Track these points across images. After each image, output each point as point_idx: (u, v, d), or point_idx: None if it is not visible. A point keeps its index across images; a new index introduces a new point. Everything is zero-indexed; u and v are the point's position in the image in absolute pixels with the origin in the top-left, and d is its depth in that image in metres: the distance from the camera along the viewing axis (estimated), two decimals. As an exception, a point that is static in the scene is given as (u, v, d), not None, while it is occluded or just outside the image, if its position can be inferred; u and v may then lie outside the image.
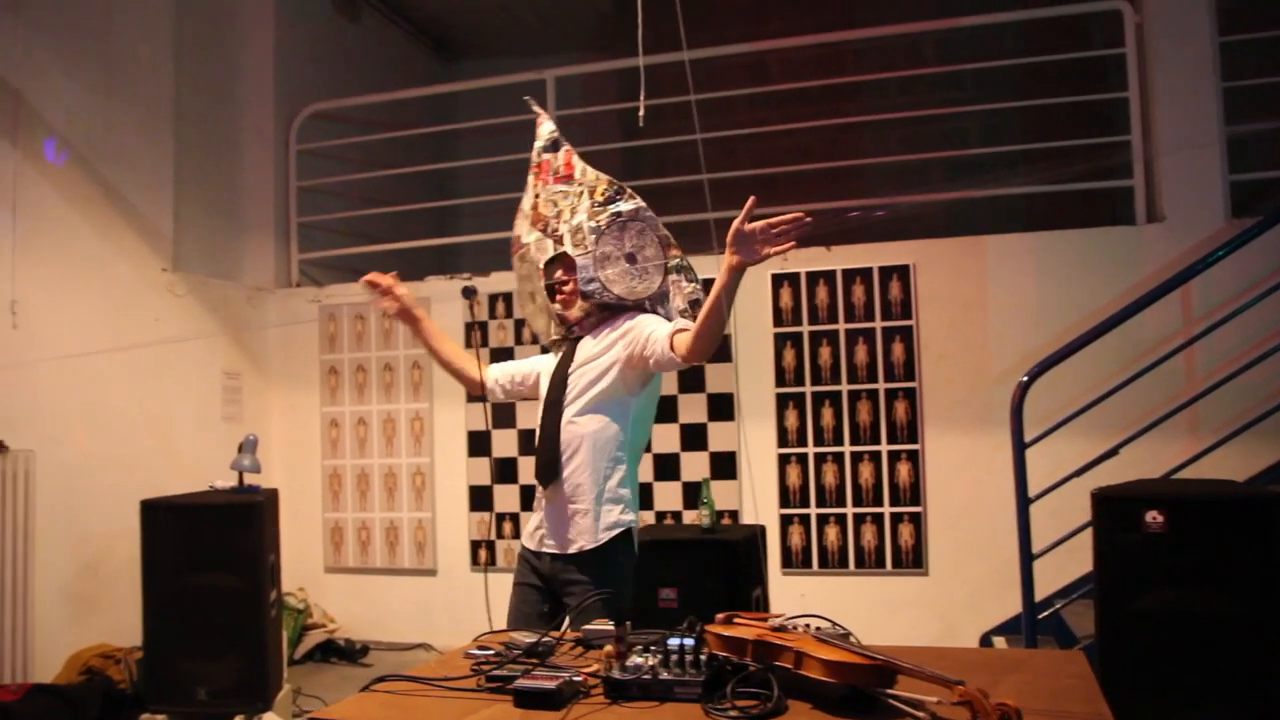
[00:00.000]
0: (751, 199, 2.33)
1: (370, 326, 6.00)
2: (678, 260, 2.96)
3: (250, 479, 4.36)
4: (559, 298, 2.87)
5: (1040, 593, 4.11)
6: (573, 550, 2.79)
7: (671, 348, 2.60)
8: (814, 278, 5.31)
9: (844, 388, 5.26)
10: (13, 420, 4.45)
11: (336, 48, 7.03)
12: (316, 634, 5.73)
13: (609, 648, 2.12)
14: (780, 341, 5.35)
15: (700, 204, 5.70)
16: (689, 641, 1.87)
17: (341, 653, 5.70)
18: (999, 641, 4.80)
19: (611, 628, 2.21)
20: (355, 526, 6.02)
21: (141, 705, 4.25)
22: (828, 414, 5.27)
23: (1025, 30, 6.34)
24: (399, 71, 7.59)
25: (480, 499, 5.82)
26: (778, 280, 5.34)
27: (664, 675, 1.80)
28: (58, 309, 4.80)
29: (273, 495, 4.35)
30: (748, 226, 2.32)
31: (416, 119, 6.96)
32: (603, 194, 2.90)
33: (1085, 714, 1.60)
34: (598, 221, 2.85)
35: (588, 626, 2.20)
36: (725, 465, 5.39)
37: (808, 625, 1.96)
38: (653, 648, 1.98)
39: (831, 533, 5.24)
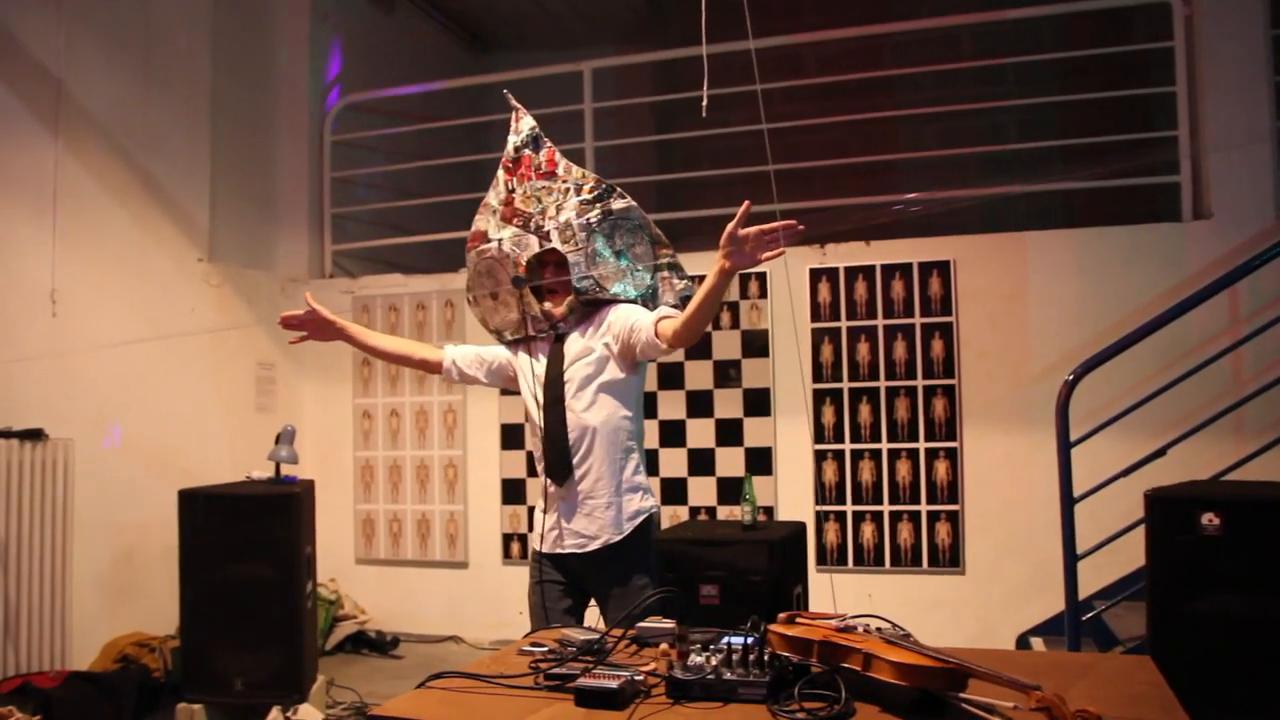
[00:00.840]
0: (746, 204, 2.36)
1: (404, 318, 6.00)
2: (669, 259, 2.96)
3: (287, 469, 4.36)
4: (548, 294, 2.86)
5: (1080, 594, 4.06)
6: (595, 547, 2.78)
7: (656, 335, 2.64)
8: (853, 273, 5.26)
9: (882, 384, 5.21)
10: (52, 408, 4.47)
11: (371, 40, 7.02)
12: (347, 625, 5.74)
13: (664, 646, 2.10)
14: (818, 337, 5.31)
15: (732, 198, 5.67)
16: (749, 641, 1.84)
17: (372, 644, 5.70)
18: (1036, 643, 4.75)
19: (666, 625, 2.19)
20: (387, 518, 6.02)
21: (178, 694, 4.26)
22: (865, 410, 5.23)
23: (1066, 24, 6.25)
24: (432, 64, 7.57)
25: (512, 492, 5.80)
26: (816, 275, 5.30)
27: (728, 675, 1.76)
28: (96, 299, 4.81)
29: (309, 486, 4.35)
30: (740, 231, 2.36)
31: (449, 111, 6.94)
32: (591, 191, 2.89)
33: (1165, 722, 1.56)
34: (588, 219, 2.86)
35: (643, 624, 2.17)
36: (761, 461, 5.36)
37: (867, 626, 1.93)
38: (711, 646, 1.95)
39: (868, 530, 5.20)
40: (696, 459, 5.46)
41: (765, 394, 5.39)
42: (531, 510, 5.73)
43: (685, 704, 1.73)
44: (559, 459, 2.78)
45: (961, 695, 1.62)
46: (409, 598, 5.97)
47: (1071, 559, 3.87)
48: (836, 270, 5.28)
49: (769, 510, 5.29)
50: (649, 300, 2.90)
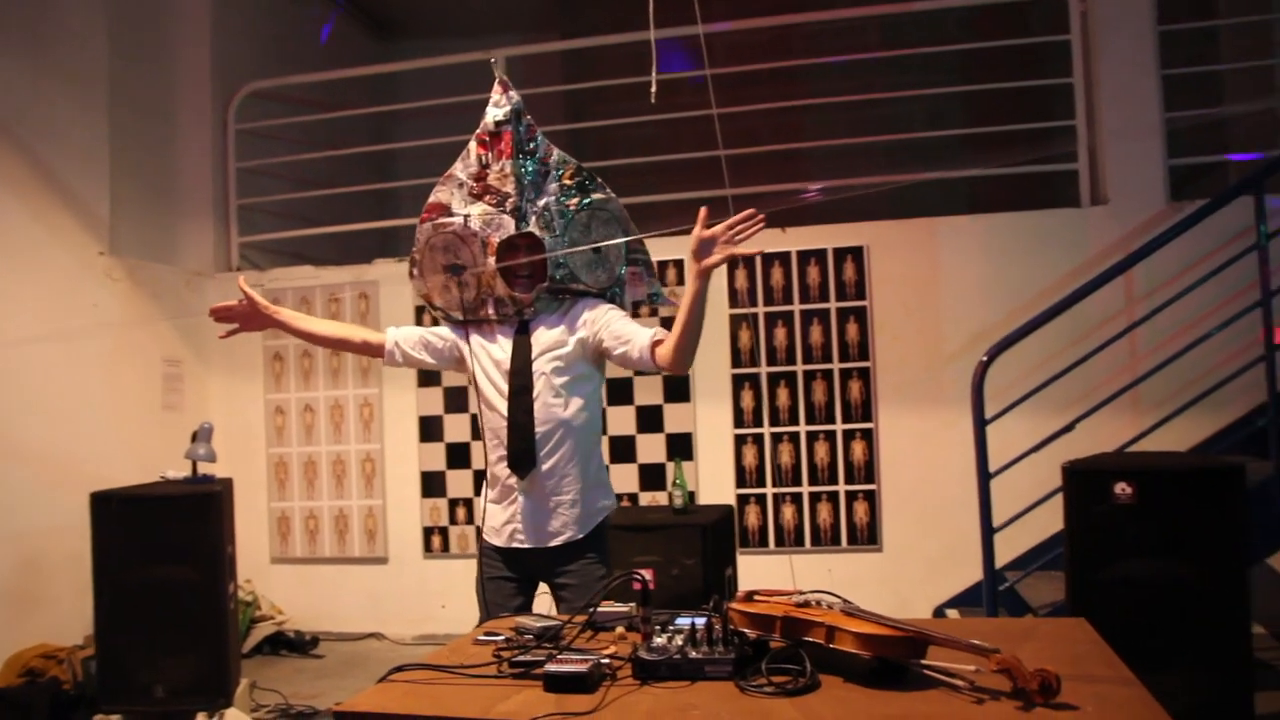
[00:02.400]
0: (703, 210, 2.41)
1: (317, 311, 5.87)
2: (641, 255, 2.94)
3: (204, 468, 4.24)
4: (518, 278, 2.78)
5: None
6: (556, 543, 2.74)
7: (653, 357, 2.61)
8: (769, 260, 5.35)
9: (799, 368, 5.32)
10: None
11: (275, 26, 6.83)
12: (265, 626, 5.61)
13: (620, 629, 2.13)
14: (736, 323, 5.39)
15: (647, 186, 5.71)
16: (702, 621, 1.88)
17: (291, 645, 5.59)
18: (952, 614, 4.92)
19: (621, 609, 2.21)
20: (303, 515, 5.90)
21: (93, 706, 4.11)
22: (783, 394, 5.33)
23: (968, 17, 6.45)
24: (338, 51, 7.42)
25: (432, 485, 5.75)
26: (733, 262, 5.35)
27: (693, 654, 1.80)
28: (-10, 295, 4.60)
29: (228, 485, 4.23)
30: (706, 232, 2.40)
31: (357, 100, 6.81)
32: (572, 178, 2.86)
33: (1112, 677, 1.65)
34: (567, 206, 2.82)
35: (599, 609, 2.18)
36: (682, 446, 5.41)
37: (819, 601, 1.98)
38: (670, 627, 1.98)
39: (788, 512, 5.31)
40: (618, 446, 5.49)
41: (685, 380, 5.44)
42: (454, 503, 5.69)
43: (653, 684, 1.76)
44: (524, 451, 2.70)
45: (923, 662, 1.68)
46: (328, 596, 5.86)
47: (988, 532, 4.02)
48: (753, 257, 5.33)
49: (691, 495, 5.35)
50: (618, 296, 2.87)
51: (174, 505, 4.02)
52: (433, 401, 5.73)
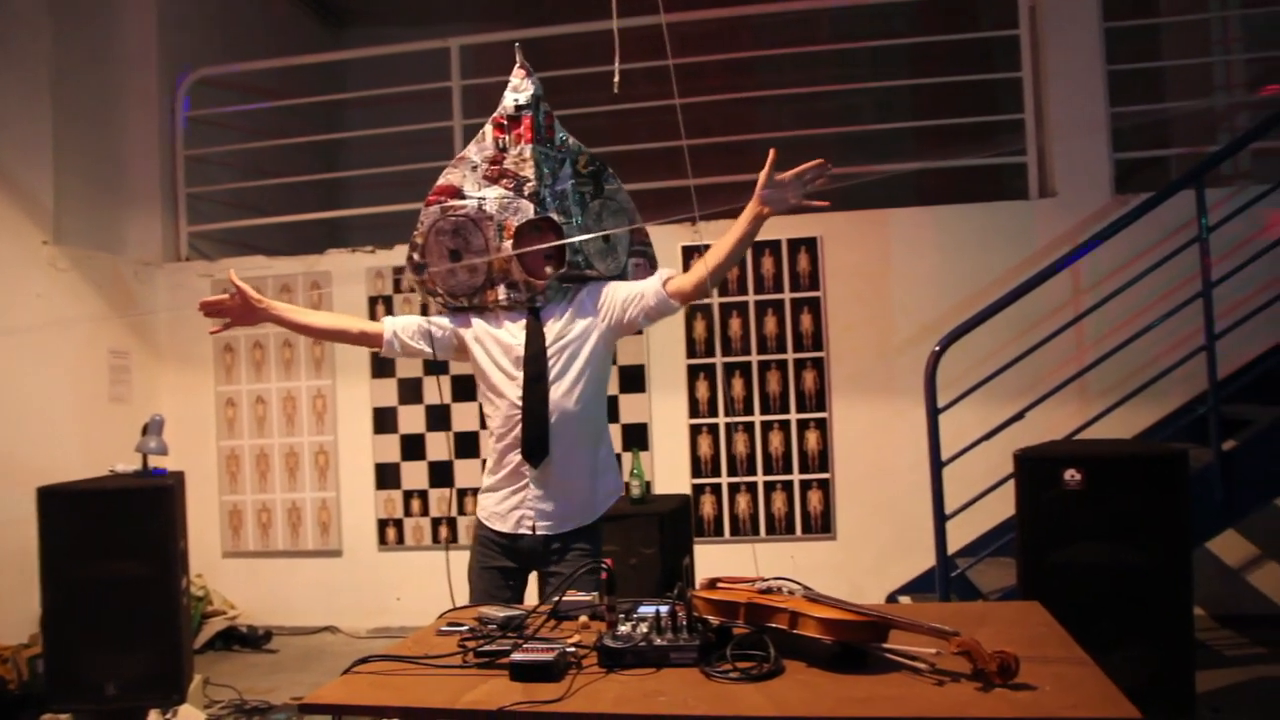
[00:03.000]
0: (773, 151, 2.48)
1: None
2: (645, 246, 2.95)
3: (155, 461, 4.17)
4: (535, 264, 2.74)
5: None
6: (568, 529, 2.74)
7: (670, 294, 2.68)
8: (723, 250, 5.37)
9: (754, 358, 5.36)
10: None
11: (224, 12, 6.71)
12: (216, 621, 5.54)
13: (583, 618, 2.15)
14: (691, 313, 5.41)
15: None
16: (665, 608, 1.90)
17: (244, 639, 5.52)
18: (905, 600, 4.99)
19: (584, 599, 2.23)
20: (255, 509, 5.83)
21: (40, 705, 4.03)
22: (738, 384, 5.37)
23: (917, 11, 6.53)
24: (285, 38, 7.31)
25: (386, 477, 5.71)
26: (688, 252, 5.39)
27: (658, 641, 1.82)
28: (-70, 285, 4.48)
29: (180, 478, 4.17)
30: (779, 176, 2.47)
31: (308, 88, 6.72)
32: (586, 167, 2.87)
33: (1067, 658, 1.70)
34: (583, 193, 2.83)
35: (564, 599, 2.20)
36: (637, 436, 5.43)
37: (781, 588, 2.01)
38: (634, 615, 2.00)
39: (742, 501, 5.35)
40: (574, 437, 5.48)
41: (640, 370, 5.47)
42: (409, 495, 5.66)
43: (619, 671, 1.78)
44: (538, 439, 2.68)
45: (884, 646, 1.72)
46: (281, 590, 5.80)
47: (941, 519, 4.09)
48: (707, 247, 5.36)
49: (647, 485, 5.38)
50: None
51: (124, 499, 3.95)
52: (387, 393, 5.68)
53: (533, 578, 2.84)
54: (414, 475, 5.66)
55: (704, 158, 6.07)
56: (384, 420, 5.71)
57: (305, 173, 6.56)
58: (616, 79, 2.55)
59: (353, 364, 5.69)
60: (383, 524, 5.72)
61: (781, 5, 6.48)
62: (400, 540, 5.69)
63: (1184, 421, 4.48)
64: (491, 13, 7.66)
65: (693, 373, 5.41)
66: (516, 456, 2.72)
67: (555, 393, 2.71)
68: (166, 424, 4.27)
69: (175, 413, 5.80)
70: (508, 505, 2.76)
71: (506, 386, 2.74)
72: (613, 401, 5.47)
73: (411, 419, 5.66)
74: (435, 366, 4.70)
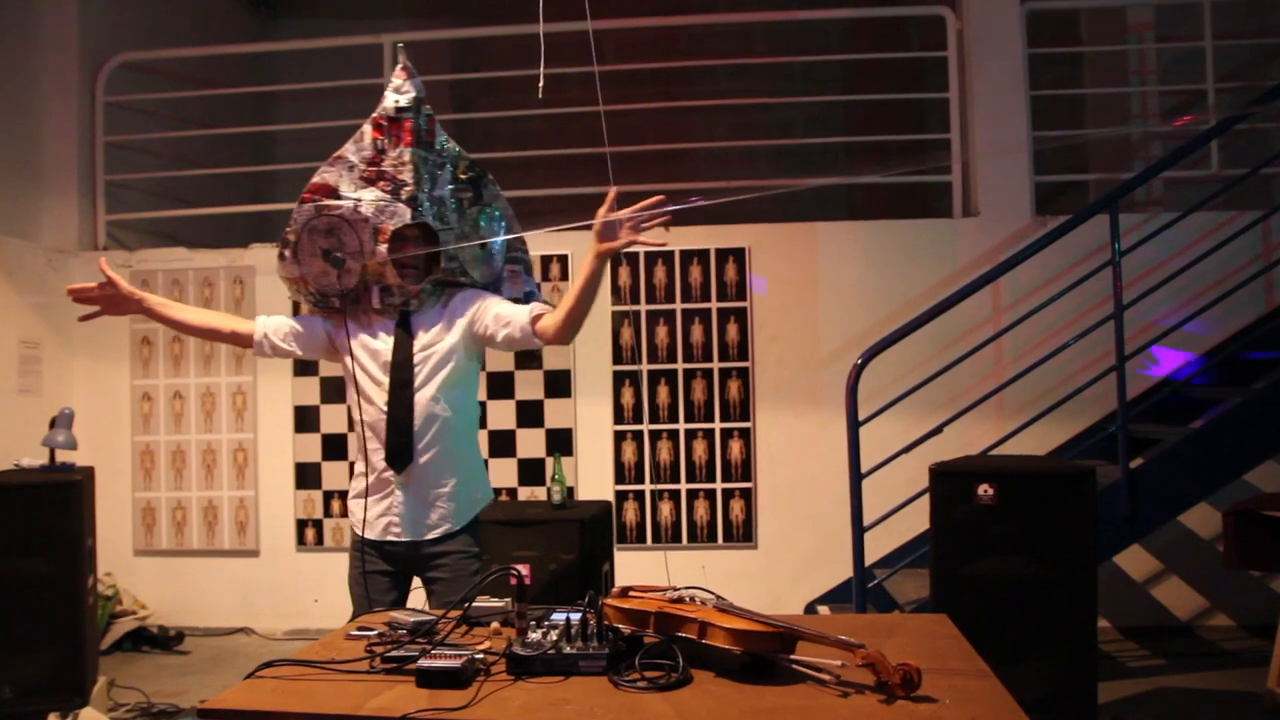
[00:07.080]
0: (613, 190, 2.45)
1: (189, 295, 5.66)
2: (520, 253, 2.96)
3: (63, 455, 4.05)
4: (408, 269, 2.73)
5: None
6: (434, 535, 2.75)
7: (535, 332, 2.63)
8: (652, 258, 5.40)
9: (680, 366, 5.38)
10: None
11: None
12: (126, 622, 5.38)
13: (495, 624, 2.13)
14: (618, 319, 5.42)
15: (533, 180, 5.69)
16: (576, 616, 1.89)
17: (154, 640, 5.37)
18: (823, 610, 5.06)
19: (496, 605, 2.21)
20: (170, 506, 5.68)
21: (-67, 706, 3.89)
22: (664, 391, 5.39)
23: (851, 29, 6.64)
24: (215, 26, 7.14)
25: (307, 476, 5.61)
26: (616, 259, 5.40)
27: (567, 649, 1.82)
28: None
29: (89, 473, 4.04)
30: (612, 215, 2.43)
31: (235, 78, 6.59)
32: (465, 173, 2.86)
33: (969, 670, 1.74)
34: (461, 200, 2.83)
35: (475, 604, 2.18)
36: (562, 442, 5.42)
37: (693, 597, 2.02)
38: (545, 623, 2.00)
39: (665, 508, 5.37)
40: (497, 440, 5.46)
41: (566, 375, 5.45)
42: (329, 495, 5.57)
43: (527, 679, 1.77)
44: (403, 444, 2.68)
45: (792, 657, 1.74)
46: (195, 590, 5.66)
47: (859, 530, 4.15)
48: (637, 255, 5.40)
49: (569, 490, 5.36)
50: (497, 292, 2.87)
51: (29, 495, 3.82)
52: (309, 391, 5.59)
53: (417, 581, 2.84)
54: (334, 475, 5.58)
55: (633, 165, 6.13)
56: (305, 419, 5.61)
57: (232, 164, 6.43)
58: (541, 83, 2.55)
59: (274, 361, 5.54)
60: (302, 524, 5.62)
61: (719, 17, 6.54)
62: (320, 541, 5.60)
63: (1095, 439, 4.61)
64: (426, 9, 7.60)
65: (618, 379, 5.42)
66: (382, 462, 2.72)
67: (421, 399, 2.70)
68: (79, 418, 4.15)
69: (89, 406, 5.66)
70: (374, 512, 2.76)
71: (375, 393, 2.74)
72: (537, 406, 5.46)
73: (333, 418, 5.57)
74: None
